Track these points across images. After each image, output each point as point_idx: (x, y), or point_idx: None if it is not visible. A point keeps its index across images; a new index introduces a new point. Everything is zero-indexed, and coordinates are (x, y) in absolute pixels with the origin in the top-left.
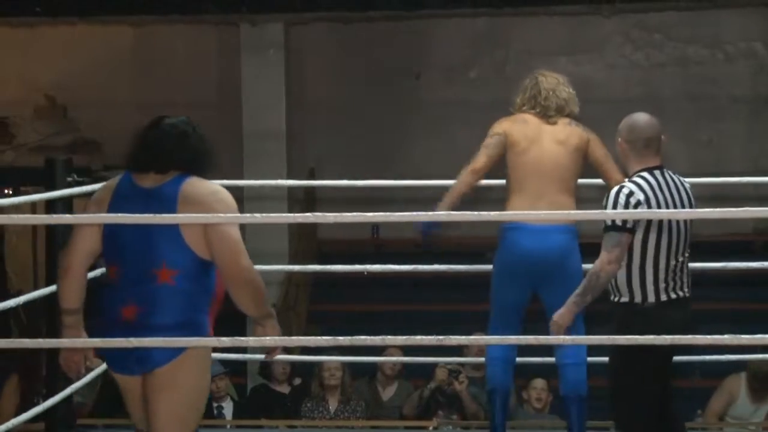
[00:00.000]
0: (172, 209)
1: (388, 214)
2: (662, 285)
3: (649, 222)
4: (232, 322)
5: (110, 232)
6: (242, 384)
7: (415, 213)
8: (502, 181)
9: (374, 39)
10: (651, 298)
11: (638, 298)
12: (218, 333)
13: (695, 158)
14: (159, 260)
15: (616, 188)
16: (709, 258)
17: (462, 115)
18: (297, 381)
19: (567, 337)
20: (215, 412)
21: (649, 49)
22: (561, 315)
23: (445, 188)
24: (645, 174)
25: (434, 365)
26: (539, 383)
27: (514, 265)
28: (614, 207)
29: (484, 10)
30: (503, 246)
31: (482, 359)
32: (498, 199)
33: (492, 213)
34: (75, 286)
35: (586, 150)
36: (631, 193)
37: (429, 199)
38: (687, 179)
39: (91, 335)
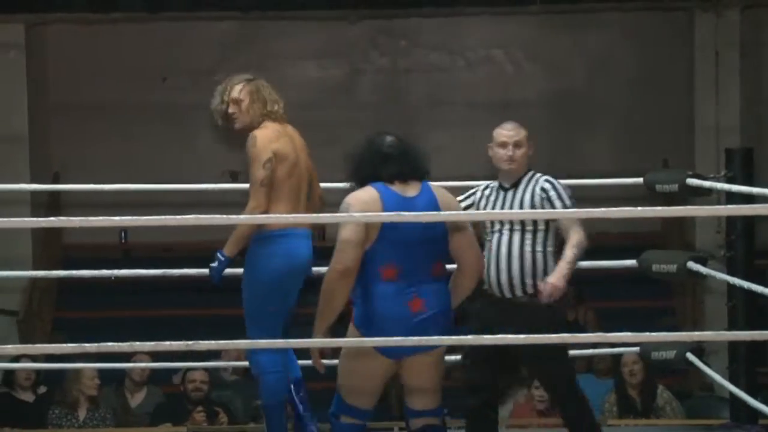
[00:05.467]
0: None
1: (134, 218)
2: None
3: None
4: None
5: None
6: None
7: (162, 217)
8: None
9: (119, 41)
10: None
11: None
12: None
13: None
14: None
15: None
16: None
17: (209, 119)
18: (42, 389)
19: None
20: None
21: (395, 54)
22: None
23: (193, 192)
24: None
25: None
26: None
27: (293, 272)
28: None
29: (231, 13)
30: (277, 253)
31: (243, 363)
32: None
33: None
34: None
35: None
36: None
37: (177, 203)
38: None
39: None
